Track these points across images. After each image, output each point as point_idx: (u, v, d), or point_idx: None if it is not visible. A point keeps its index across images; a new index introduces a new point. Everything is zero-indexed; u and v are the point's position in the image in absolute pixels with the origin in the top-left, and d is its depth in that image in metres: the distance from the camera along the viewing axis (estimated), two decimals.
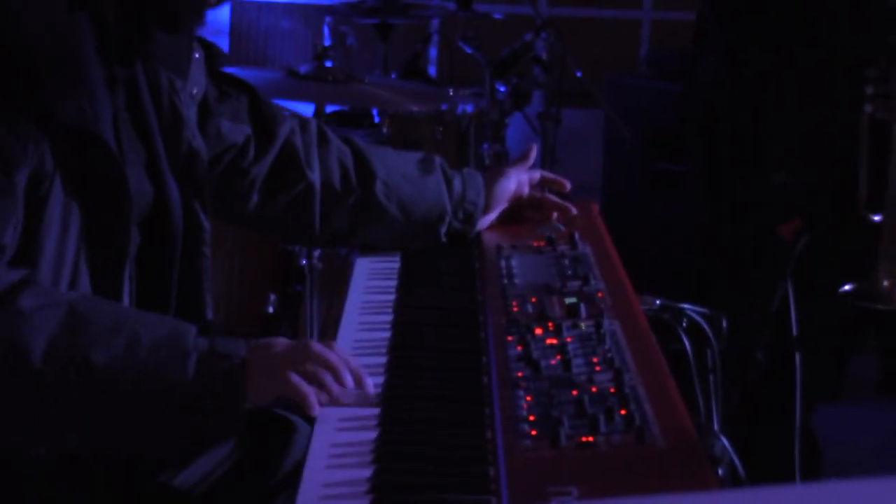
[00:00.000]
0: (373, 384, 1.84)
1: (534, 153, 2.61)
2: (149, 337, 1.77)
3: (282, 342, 1.86)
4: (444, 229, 2.44)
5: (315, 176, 2.38)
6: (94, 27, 1.90)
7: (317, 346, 1.85)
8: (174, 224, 2.08)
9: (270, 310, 3.70)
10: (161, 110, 2.08)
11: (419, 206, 2.42)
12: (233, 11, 5.92)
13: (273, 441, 2.16)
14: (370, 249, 2.51)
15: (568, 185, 2.59)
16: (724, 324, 2.46)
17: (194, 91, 2.17)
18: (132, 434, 1.79)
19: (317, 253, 3.47)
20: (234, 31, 5.86)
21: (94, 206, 1.89)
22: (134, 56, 2.01)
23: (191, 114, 2.15)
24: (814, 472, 3.44)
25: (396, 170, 2.44)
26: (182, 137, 2.12)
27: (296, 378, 1.78)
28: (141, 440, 1.81)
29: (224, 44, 5.34)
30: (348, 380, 1.82)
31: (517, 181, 2.53)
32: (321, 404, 1.78)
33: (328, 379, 1.80)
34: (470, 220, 2.47)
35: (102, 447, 1.84)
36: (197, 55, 2.19)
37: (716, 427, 2.27)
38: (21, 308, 1.73)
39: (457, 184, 2.46)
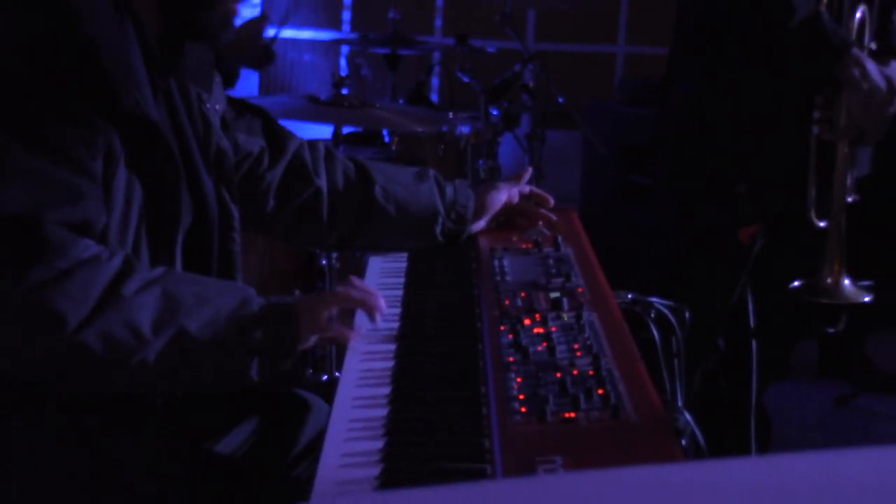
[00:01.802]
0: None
1: (528, 175, 2.63)
2: (226, 304, 1.86)
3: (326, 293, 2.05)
4: (438, 228, 2.44)
5: (322, 182, 2.39)
6: (139, 40, 1.90)
7: (347, 282, 1.99)
8: (210, 211, 2.10)
9: None
10: (192, 116, 2.09)
11: (415, 206, 2.43)
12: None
13: (294, 417, 2.18)
14: (376, 252, 2.53)
15: (552, 201, 2.59)
16: (687, 315, 2.45)
17: (217, 106, 2.17)
18: (218, 375, 1.87)
19: (335, 254, 3.47)
20: None
21: (151, 184, 1.91)
22: (171, 67, 2.01)
23: (215, 121, 2.15)
24: (765, 441, 3.44)
25: (394, 178, 2.45)
26: (211, 138, 2.13)
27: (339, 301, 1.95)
28: (223, 378, 1.89)
29: (254, 74, 5.32)
30: (381, 302, 1.95)
31: (508, 193, 2.53)
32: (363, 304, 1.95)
33: (368, 297, 1.95)
34: (461, 220, 2.46)
35: (191, 389, 1.98)
36: (217, 78, 2.19)
37: (680, 404, 2.26)
38: (126, 294, 1.78)
39: (449, 190, 2.46)
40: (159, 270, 1.88)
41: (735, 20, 3.00)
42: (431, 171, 2.50)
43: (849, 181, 2.95)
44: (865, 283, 3.01)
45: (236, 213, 2.18)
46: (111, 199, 1.84)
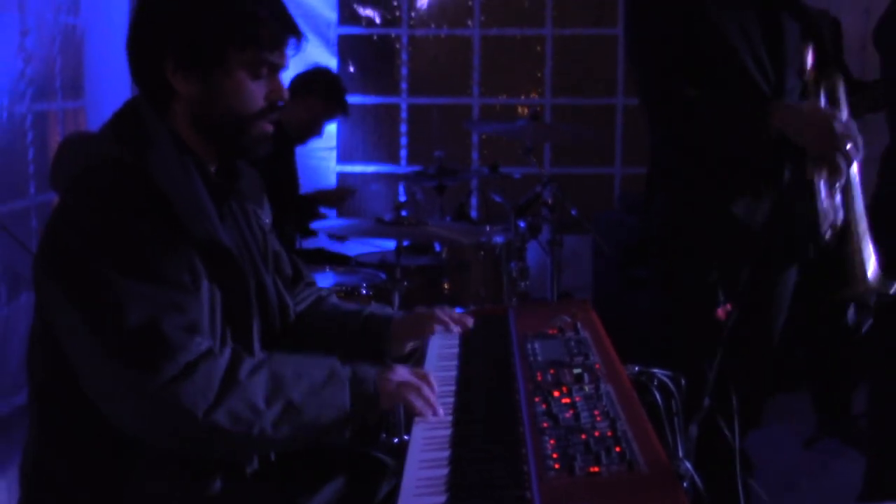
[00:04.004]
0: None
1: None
2: (319, 376, 1.87)
3: (399, 371, 1.98)
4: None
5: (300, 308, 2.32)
6: (201, 175, 1.92)
7: (416, 374, 1.97)
8: (272, 305, 2.11)
9: None
10: (252, 230, 2.10)
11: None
12: (338, 179, 5.99)
13: (373, 476, 2.15)
14: None
15: (470, 322, 2.43)
16: (683, 381, 2.42)
17: (266, 220, 2.18)
18: (318, 435, 1.88)
19: None
20: None
21: (227, 292, 1.92)
22: (230, 193, 2.02)
23: (266, 228, 2.18)
24: (750, 478, 3.37)
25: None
26: (269, 245, 2.15)
27: (407, 395, 1.92)
28: (322, 437, 1.89)
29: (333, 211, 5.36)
30: (432, 396, 1.94)
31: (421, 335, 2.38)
32: (418, 413, 1.90)
33: (425, 391, 1.93)
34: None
35: (300, 447, 1.95)
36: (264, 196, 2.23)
37: (681, 454, 2.21)
38: (242, 378, 1.80)
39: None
40: (262, 356, 1.90)
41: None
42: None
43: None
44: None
45: (290, 302, 2.20)
46: (200, 306, 1.85)
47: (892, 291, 2.80)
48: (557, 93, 6.04)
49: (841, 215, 2.77)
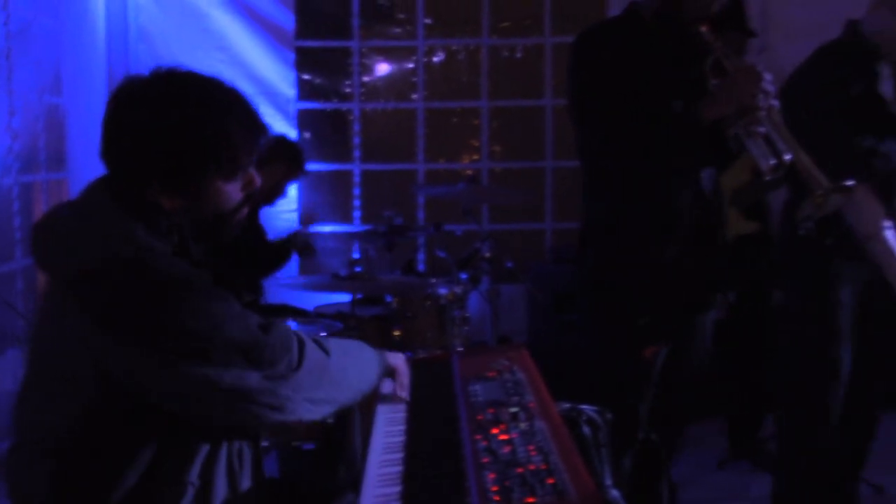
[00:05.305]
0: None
1: None
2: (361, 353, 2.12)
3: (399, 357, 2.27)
4: None
5: None
6: (213, 274, 1.87)
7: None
8: None
9: (331, 419, 3.62)
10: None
11: None
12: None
13: None
14: None
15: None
16: (610, 416, 2.41)
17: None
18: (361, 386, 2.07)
19: None
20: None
21: None
22: (233, 291, 1.94)
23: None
24: (674, 499, 3.37)
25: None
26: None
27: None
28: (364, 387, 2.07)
29: (297, 260, 5.32)
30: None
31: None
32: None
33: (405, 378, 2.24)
34: None
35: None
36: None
37: (608, 483, 2.21)
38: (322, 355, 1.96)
39: None
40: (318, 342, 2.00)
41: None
42: None
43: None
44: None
45: None
46: None
47: (847, 184, 2.69)
48: (493, 158, 6.08)
49: (772, 161, 2.68)
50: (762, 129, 2.71)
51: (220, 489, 1.87)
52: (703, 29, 2.80)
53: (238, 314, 1.79)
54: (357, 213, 5.99)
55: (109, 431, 1.77)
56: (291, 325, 3.88)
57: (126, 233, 1.79)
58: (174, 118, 1.81)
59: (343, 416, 3.56)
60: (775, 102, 2.72)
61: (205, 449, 1.85)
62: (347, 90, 6.04)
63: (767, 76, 2.72)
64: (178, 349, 1.72)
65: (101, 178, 1.92)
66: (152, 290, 1.73)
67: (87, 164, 4.76)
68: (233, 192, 1.90)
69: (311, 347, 1.91)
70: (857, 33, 3.18)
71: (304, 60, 5.82)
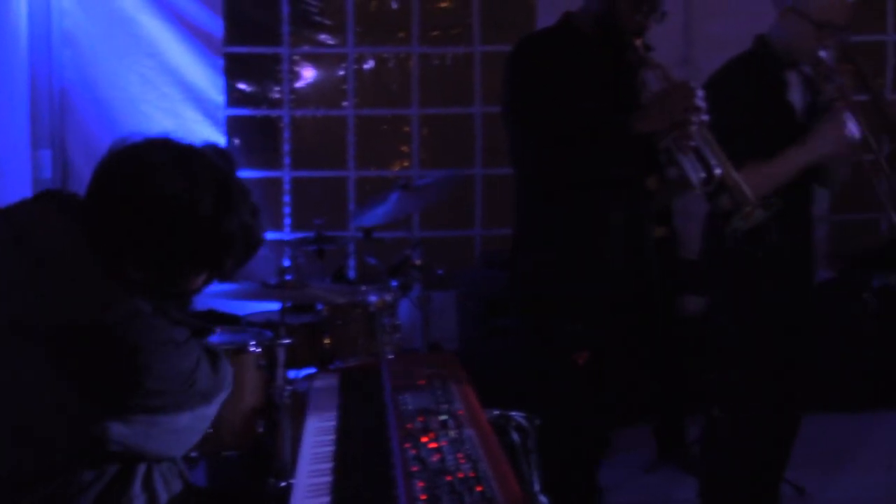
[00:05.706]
0: None
1: None
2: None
3: None
4: None
5: None
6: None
7: None
8: None
9: (260, 429, 3.61)
10: None
11: None
12: None
13: None
14: None
15: None
16: (538, 422, 2.43)
17: None
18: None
19: (286, 393, 3.41)
20: None
21: None
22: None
23: None
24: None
25: None
26: None
27: None
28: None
29: None
30: None
31: None
32: None
33: None
34: None
35: None
36: None
37: (536, 488, 2.23)
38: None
39: None
40: None
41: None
42: None
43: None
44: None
45: None
46: None
47: (772, 204, 2.79)
48: (423, 165, 6.09)
49: (702, 174, 2.75)
50: (693, 143, 2.76)
51: (162, 495, 1.87)
52: (637, 42, 2.85)
53: (201, 361, 1.83)
54: (287, 221, 5.95)
55: (64, 463, 1.76)
56: (218, 336, 3.85)
57: (113, 297, 1.76)
58: (185, 227, 1.80)
59: (272, 425, 3.54)
60: (706, 117, 2.78)
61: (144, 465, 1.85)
62: (277, 97, 6.00)
63: (699, 92, 2.78)
64: (155, 407, 1.75)
65: (69, 208, 1.85)
66: (135, 356, 1.72)
67: (6, 171, 4.66)
68: (202, 279, 1.93)
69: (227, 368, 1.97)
70: (766, 44, 3.25)
71: (233, 67, 5.77)
